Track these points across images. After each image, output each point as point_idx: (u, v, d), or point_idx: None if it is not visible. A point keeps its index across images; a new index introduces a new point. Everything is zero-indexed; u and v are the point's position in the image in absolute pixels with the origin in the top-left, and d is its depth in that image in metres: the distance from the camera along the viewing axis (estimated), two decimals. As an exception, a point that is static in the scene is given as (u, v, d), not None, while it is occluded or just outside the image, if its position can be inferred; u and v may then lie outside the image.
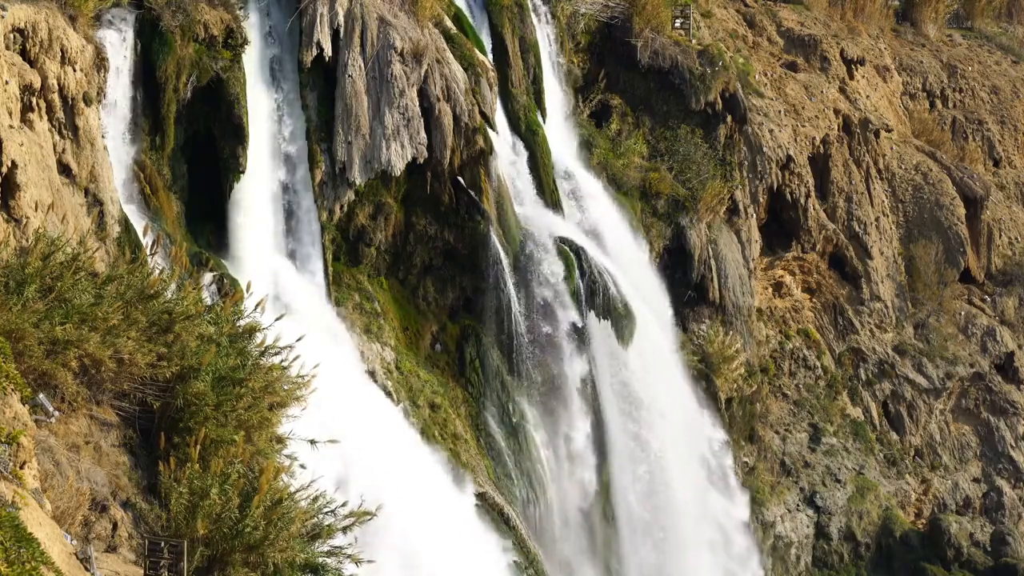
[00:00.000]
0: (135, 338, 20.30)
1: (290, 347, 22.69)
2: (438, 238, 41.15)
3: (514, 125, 44.38)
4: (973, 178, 61.38)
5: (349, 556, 20.37)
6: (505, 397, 41.47)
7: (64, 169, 30.49)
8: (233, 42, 36.46)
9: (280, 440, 22.30)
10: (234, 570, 18.76)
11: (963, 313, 59.43)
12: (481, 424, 41.07)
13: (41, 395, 19.06)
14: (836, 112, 57.54)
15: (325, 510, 20.24)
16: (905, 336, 57.71)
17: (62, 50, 30.34)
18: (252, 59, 37.46)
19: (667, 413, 44.86)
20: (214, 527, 18.59)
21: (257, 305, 23.29)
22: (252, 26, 37.70)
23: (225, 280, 34.11)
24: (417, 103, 39.35)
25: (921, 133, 63.90)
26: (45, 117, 30.02)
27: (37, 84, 29.50)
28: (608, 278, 42.89)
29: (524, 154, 44.33)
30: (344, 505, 20.36)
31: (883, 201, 58.83)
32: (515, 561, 38.05)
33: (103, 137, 32.41)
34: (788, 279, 55.65)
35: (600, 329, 42.74)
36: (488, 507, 38.79)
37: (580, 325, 42.16)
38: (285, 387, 22.10)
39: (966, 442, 57.42)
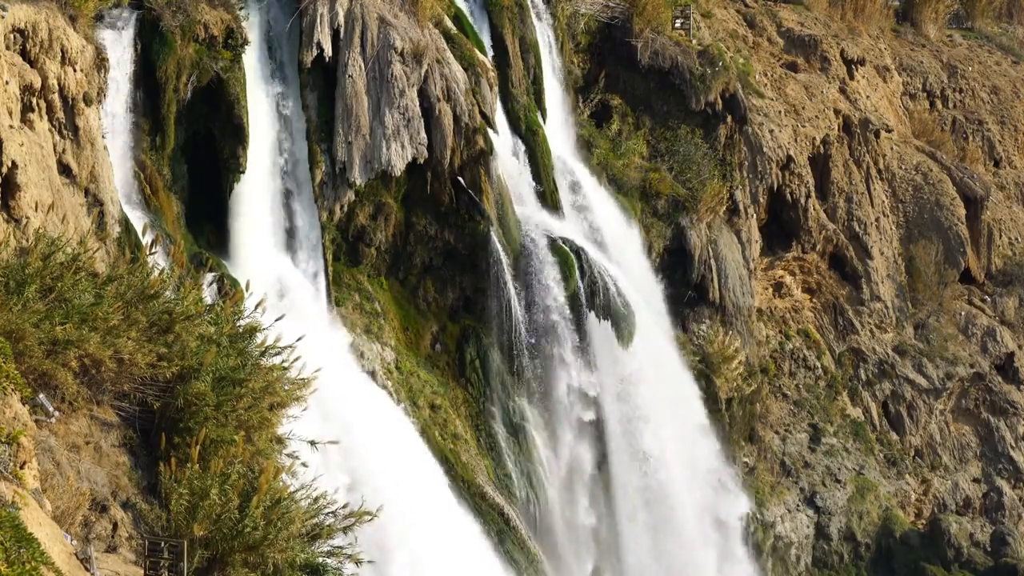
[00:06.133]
0: (135, 338, 20.30)
1: (291, 347, 22.69)
2: (438, 238, 41.14)
3: (514, 125, 44.36)
4: (973, 178, 61.35)
5: (349, 556, 20.37)
6: (505, 397, 41.47)
7: (64, 169, 30.48)
8: (233, 42, 36.46)
9: (280, 440, 22.30)
10: (234, 570, 18.76)
11: (963, 313, 59.41)
12: (481, 424, 41.07)
13: (41, 395, 19.07)
14: (836, 112, 57.52)
15: (325, 510, 20.24)
16: (905, 336, 57.70)
17: (62, 50, 30.33)
18: (252, 59, 37.46)
19: (667, 413, 44.83)
20: (214, 527, 18.59)
21: (257, 305, 23.29)
22: (252, 26, 37.70)
23: (225, 280, 34.11)
24: (417, 103, 39.34)
25: (921, 133, 63.86)
26: (45, 117, 30.02)
27: (37, 84, 29.50)
28: (608, 278, 42.88)
29: (524, 154, 44.32)
30: (345, 506, 20.36)
31: (883, 201, 58.82)
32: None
33: (103, 137, 32.40)
34: (788, 279, 55.64)
35: (600, 329, 42.71)
36: (488, 507, 38.81)
37: (580, 326, 42.15)
38: (285, 387, 22.10)
39: (966, 442, 57.40)
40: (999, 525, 55.37)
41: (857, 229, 56.76)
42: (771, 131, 53.61)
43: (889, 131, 60.63)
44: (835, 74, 59.85)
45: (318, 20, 38.05)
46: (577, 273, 42.28)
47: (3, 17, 28.65)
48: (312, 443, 22.61)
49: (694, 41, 52.34)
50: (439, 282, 41.50)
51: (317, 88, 38.67)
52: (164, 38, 34.79)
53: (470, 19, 44.09)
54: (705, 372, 48.31)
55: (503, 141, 42.89)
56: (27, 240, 24.85)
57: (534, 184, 44.25)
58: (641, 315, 43.74)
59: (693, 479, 45.84)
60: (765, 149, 53.15)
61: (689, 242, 48.48)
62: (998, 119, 67.26)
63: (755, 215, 52.74)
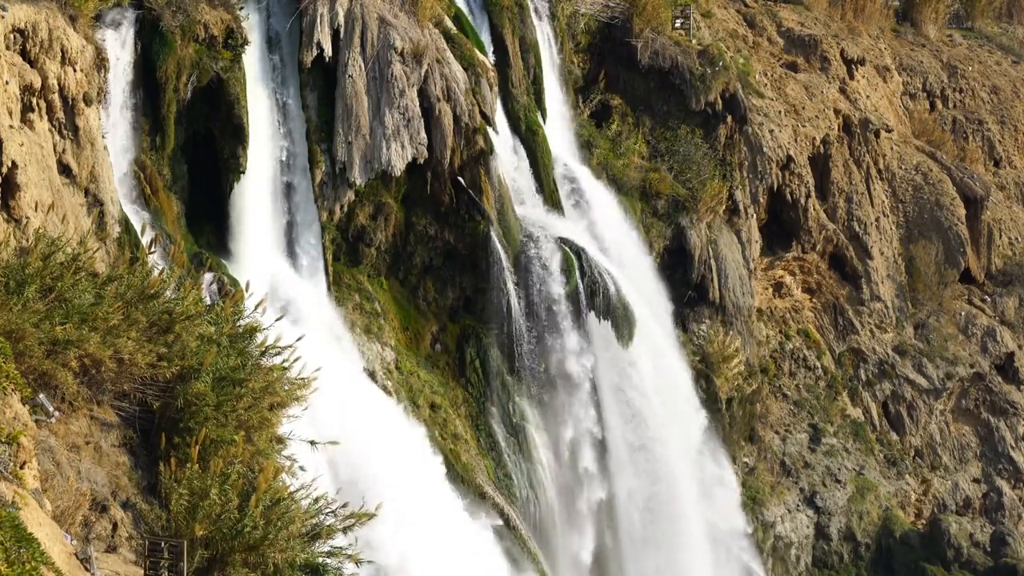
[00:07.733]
0: (135, 338, 20.28)
1: (291, 347, 22.67)
2: (438, 238, 41.14)
3: (514, 125, 44.37)
4: (973, 178, 61.35)
5: (349, 556, 20.35)
6: (505, 397, 41.46)
7: (64, 169, 30.49)
8: (233, 42, 36.47)
9: (280, 440, 22.29)
10: (234, 570, 18.75)
11: (963, 313, 59.41)
12: (481, 424, 41.06)
13: (41, 395, 19.06)
14: (836, 112, 57.51)
15: (325, 510, 20.22)
16: (905, 336, 57.70)
17: (62, 50, 30.33)
18: (252, 59, 37.47)
19: (667, 413, 44.81)
20: (214, 527, 18.57)
21: (257, 305, 23.28)
22: (252, 26, 37.71)
23: (225, 280, 34.12)
24: (417, 103, 39.35)
25: (921, 133, 63.86)
26: (45, 117, 30.03)
27: (37, 84, 29.50)
28: (608, 278, 42.87)
29: (524, 154, 44.32)
30: (345, 506, 20.34)
31: (883, 201, 58.82)
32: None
33: (103, 137, 32.40)
34: (788, 279, 55.64)
35: (600, 329, 42.71)
36: (488, 507, 38.81)
37: (580, 326, 42.14)
38: (285, 387, 22.09)
39: (966, 442, 57.40)
40: (999, 525, 55.36)
41: (857, 229, 56.76)
42: (771, 131, 53.60)
43: (889, 131, 60.63)
44: (835, 74, 59.85)
45: (318, 20, 38.05)
46: (577, 273, 42.28)
47: (3, 17, 28.65)
48: (312, 443, 22.61)
49: (694, 41, 52.34)
50: (439, 282, 41.50)
51: (317, 88, 38.67)
52: (164, 38, 34.80)
53: (470, 19, 44.10)
54: (705, 372, 48.31)
55: (503, 141, 42.90)
56: (27, 240, 24.83)
57: (534, 184, 44.26)
58: (641, 315, 43.73)
59: (692, 477, 45.84)
60: (765, 149, 53.15)
61: (689, 242, 48.48)
62: (998, 119, 67.25)
63: (755, 215, 52.74)
